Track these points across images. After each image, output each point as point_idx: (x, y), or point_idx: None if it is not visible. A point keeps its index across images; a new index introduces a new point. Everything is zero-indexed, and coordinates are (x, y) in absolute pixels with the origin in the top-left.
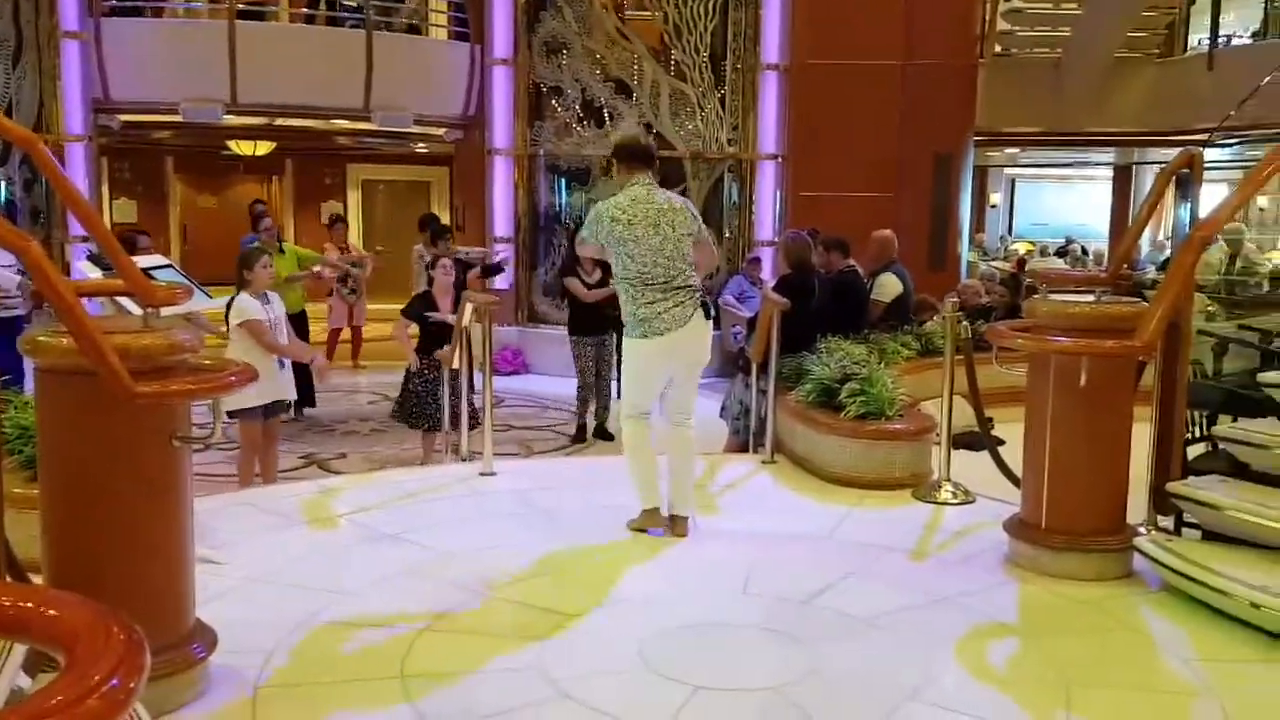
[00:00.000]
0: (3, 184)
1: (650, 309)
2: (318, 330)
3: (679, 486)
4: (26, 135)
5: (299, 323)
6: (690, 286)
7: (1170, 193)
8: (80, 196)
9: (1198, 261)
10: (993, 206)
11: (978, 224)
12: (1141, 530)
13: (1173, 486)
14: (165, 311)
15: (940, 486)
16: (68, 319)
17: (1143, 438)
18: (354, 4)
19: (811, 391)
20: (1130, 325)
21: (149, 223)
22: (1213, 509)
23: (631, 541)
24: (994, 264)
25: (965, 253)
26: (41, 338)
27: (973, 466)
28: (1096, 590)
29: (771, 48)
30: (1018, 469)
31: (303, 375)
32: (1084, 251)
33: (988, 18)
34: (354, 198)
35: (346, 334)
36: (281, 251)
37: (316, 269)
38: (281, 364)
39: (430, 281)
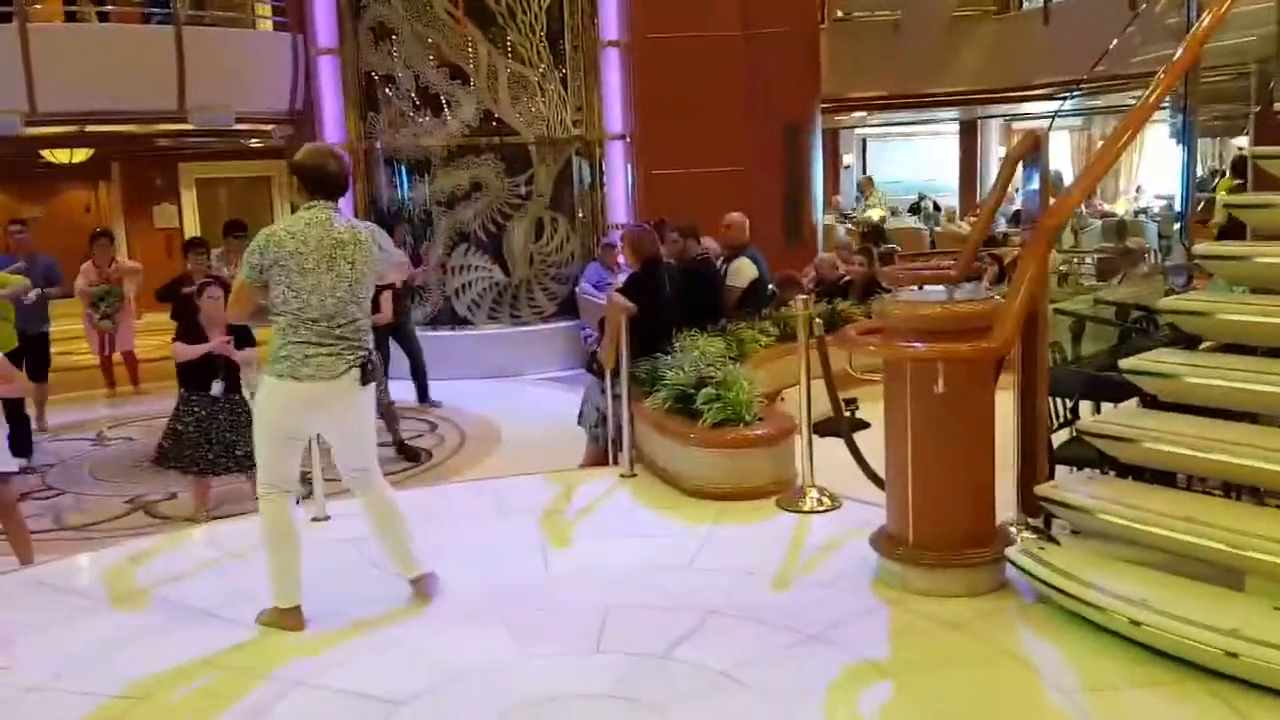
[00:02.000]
0: None
1: (297, 349)
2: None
3: (397, 549)
4: None
5: (36, 349)
6: (354, 341)
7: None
8: None
9: (1050, 250)
10: (846, 168)
11: (832, 186)
12: (1012, 531)
13: (1040, 489)
14: None
15: (804, 494)
16: None
17: (1009, 423)
18: None
19: (667, 399)
20: (986, 323)
21: None
22: (1082, 512)
23: (475, 592)
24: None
25: (821, 220)
26: None
27: (840, 456)
28: (969, 609)
29: (610, 24)
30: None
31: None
32: (936, 208)
33: None
34: (189, 198)
35: (119, 357)
36: None
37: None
38: None
39: (195, 310)
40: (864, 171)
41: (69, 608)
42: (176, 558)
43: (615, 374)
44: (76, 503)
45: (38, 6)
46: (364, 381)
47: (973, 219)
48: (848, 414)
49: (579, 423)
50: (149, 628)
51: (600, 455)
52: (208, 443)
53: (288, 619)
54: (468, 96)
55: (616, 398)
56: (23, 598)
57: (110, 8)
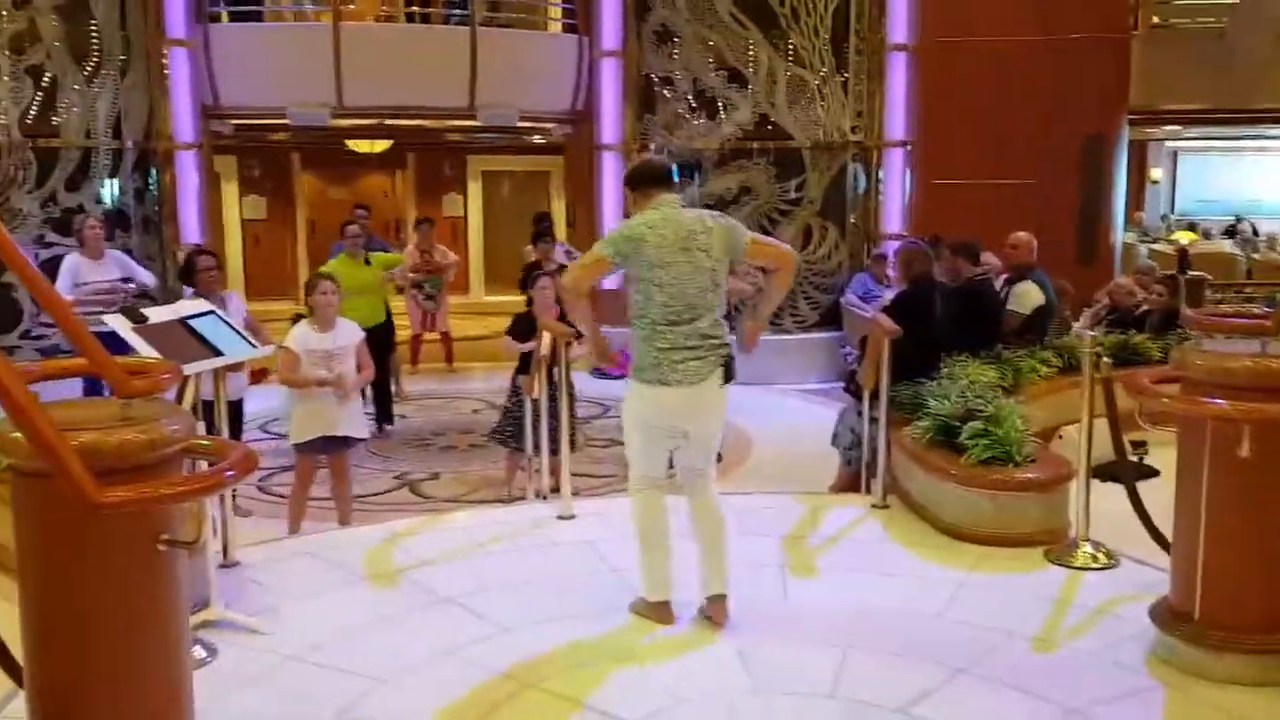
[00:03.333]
0: (115, 193)
1: (664, 355)
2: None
3: (714, 563)
4: None
5: (383, 334)
6: (715, 339)
7: None
8: (37, 276)
9: None
10: (1153, 183)
11: (1136, 202)
12: None
13: None
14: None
15: (1077, 546)
16: (17, 419)
17: None
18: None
19: (929, 429)
20: None
21: (278, 218)
22: None
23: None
24: (1154, 246)
25: (1120, 240)
26: (9, 433)
27: (1120, 507)
28: (1259, 702)
29: (899, 27)
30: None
31: (381, 389)
32: (1255, 232)
33: None
34: (474, 189)
35: (432, 336)
36: (367, 263)
37: (394, 273)
38: (337, 397)
39: (529, 301)
40: (1173, 189)
41: (329, 581)
42: (433, 541)
43: (874, 397)
44: (352, 474)
45: (351, 6)
46: (725, 380)
47: None
48: (1134, 459)
49: (833, 443)
50: (400, 609)
51: (852, 481)
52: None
53: (657, 612)
54: (744, 100)
55: (874, 422)
56: (290, 566)
57: (417, 9)
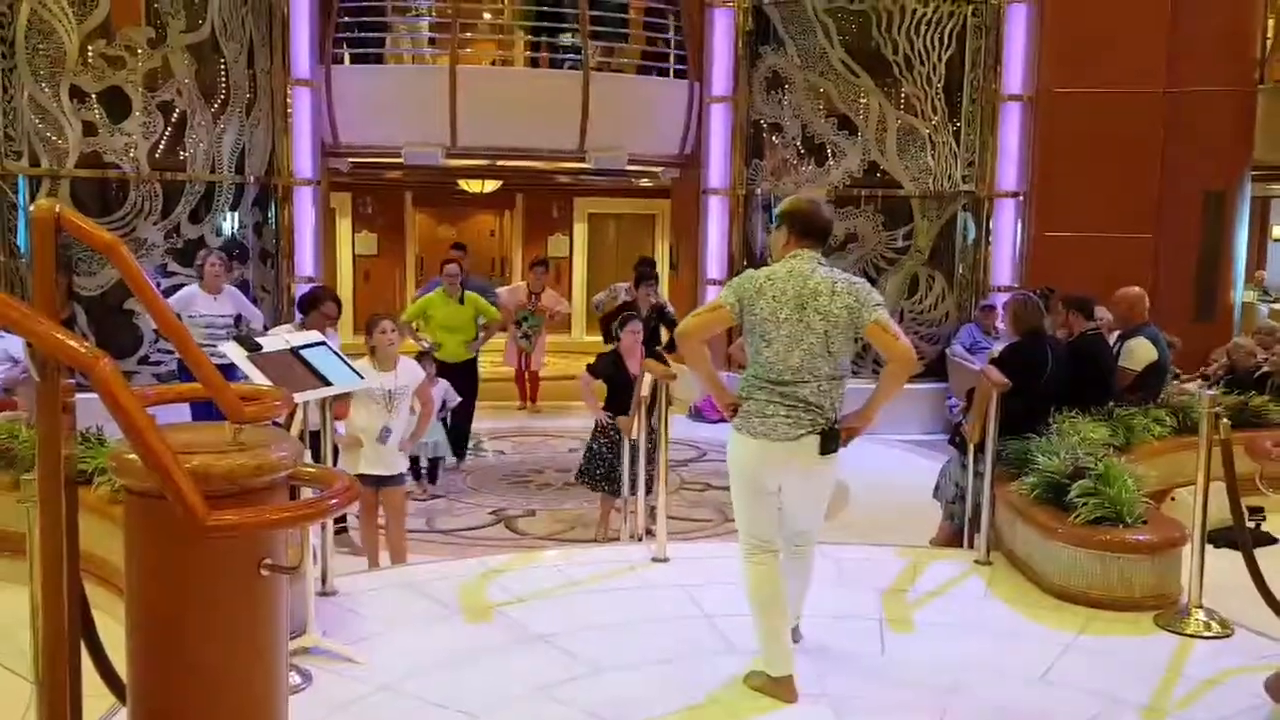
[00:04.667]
0: (235, 225)
1: (756, 405)
2: (489, 369)
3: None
4: (108, 240)
5: (466, 372)
6: (815, 405)
7: None
8: (162, 305)
9: None
10: (1276, 240)
11: (1258, 260)
12: None
13: None
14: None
15: (1190, 613)
16: (134, 439)
17: None
18: (572, 44)
19: (1036, 485)
20: None
21: (389, 254)
22: None
23: (804, 664)
24: (1275, 306)
25: (1240, 299)
26: (125, 453)
27: (1236, 574)
28: None
29: (1014, 76)
30: None
31: (461, 425)
32: None
33: (1269, 38)
34: (580, 230)
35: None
36: (461, 301)
37: (484, 325)
38: (383, 438)
39: (617, 339)
40: None
41: (424, 614)
42: (527, 578)
43: (980, 450)
44: (448, 508)
45: (468, 51)
46: (823, 450)
47: None
48: (1251, 525)
49: (934, 496)
50: (492, 645)
51: (954, 536)
52: (616, 465)
53: (780, 689)
54: (853, 147)
55: (979, 476)
56: (386, 597)
57: (530, 53)
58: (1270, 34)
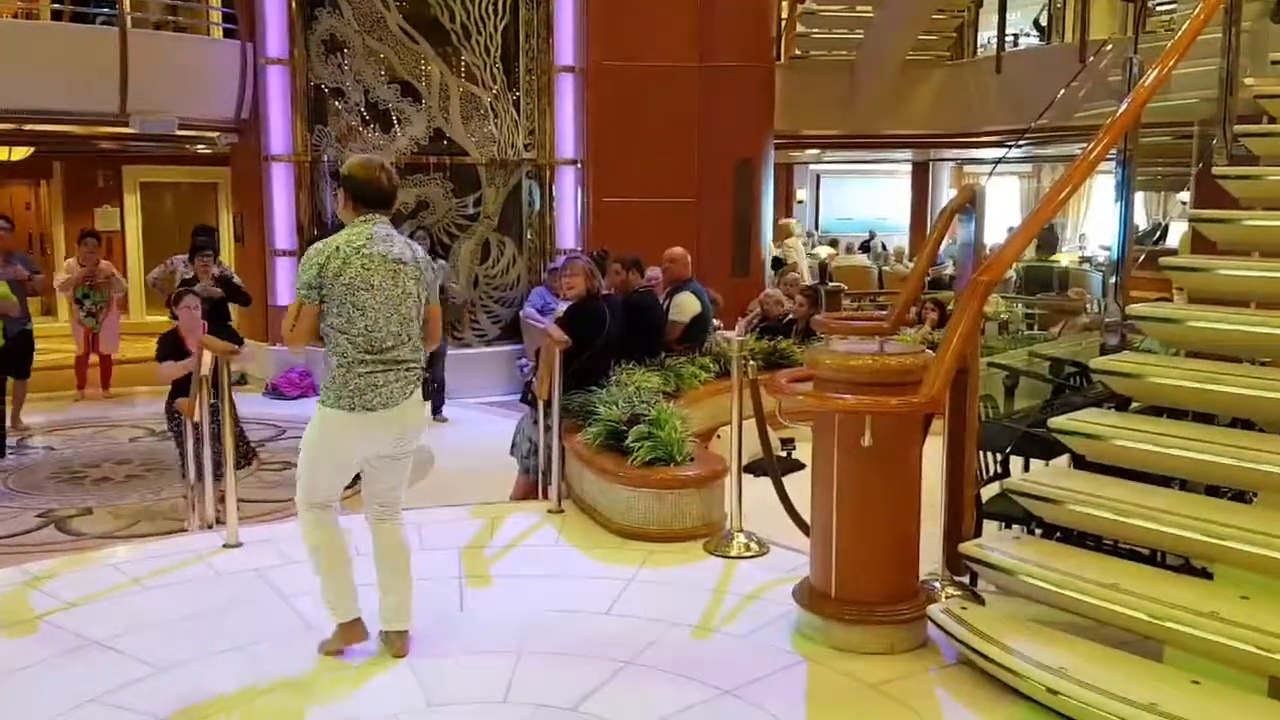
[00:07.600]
0: None
1: (364, 380)
2: (53, 355)
3: (397, 598)
4: None
5: (19, 346)
6: (414, 363)
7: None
8: None
9: (982, 306)
10: (799, 202)
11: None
12: (936, 587)
13: (964, 547)
14: None
15: (732, 538)
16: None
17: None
18: None
19: (599, 434)
20: (916, 378)
21: None
22: (1005, 573)
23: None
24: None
25: (770, 256)
26: None
27: (772, 499)
28: (889, 668)
29: (565, 49)
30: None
31: None
32: (884, 247)
33: (784, 20)
34: (132, 201)
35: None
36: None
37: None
38: None
39: (175, 318)
40: (816, 207)
41: None
42: (79, 581)
43: (549, 405)
44: None
45: None
46: (425, 396)
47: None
48: (783, 455)
49: (511, 453)
50: (35, 659)
51: (531, 488)
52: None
53: (351, 632)
54: (418, 114)
55: (549, 430)
56: None
57: (60, 6)
58: (785, 17)
